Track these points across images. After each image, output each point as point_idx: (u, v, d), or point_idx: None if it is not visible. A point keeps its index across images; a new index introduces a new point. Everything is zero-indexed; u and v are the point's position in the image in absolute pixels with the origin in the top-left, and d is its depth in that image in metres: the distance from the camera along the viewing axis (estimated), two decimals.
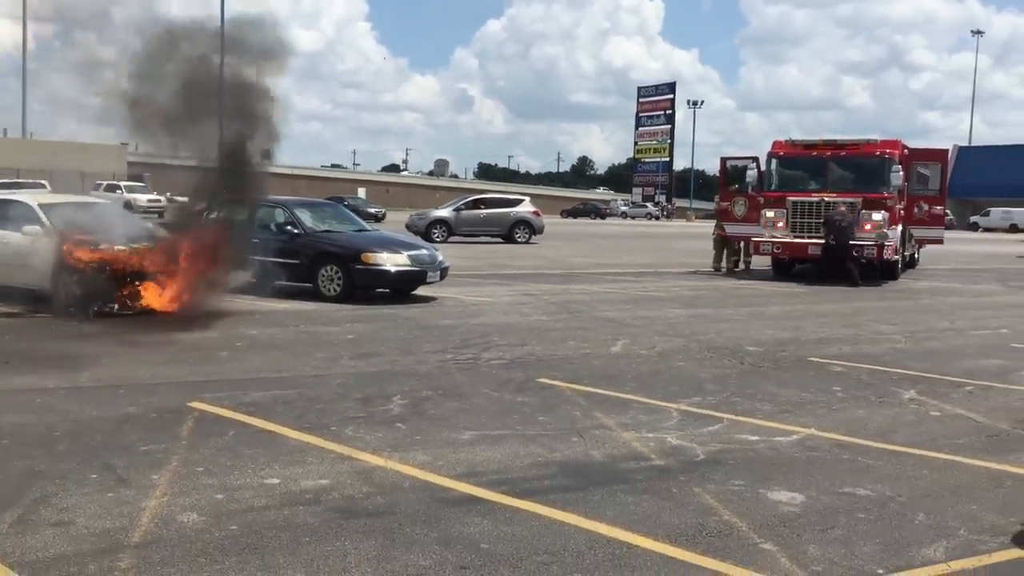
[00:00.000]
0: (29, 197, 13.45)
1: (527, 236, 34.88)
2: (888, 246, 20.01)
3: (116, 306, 11.87)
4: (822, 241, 20.04)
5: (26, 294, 12.33)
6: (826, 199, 20.60)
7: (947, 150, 28.64)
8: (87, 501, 5.02)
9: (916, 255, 25.28)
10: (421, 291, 15.03)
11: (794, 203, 21.06)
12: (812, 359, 10.28)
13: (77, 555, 4.31)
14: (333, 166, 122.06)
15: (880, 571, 4.41)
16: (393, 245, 15.02)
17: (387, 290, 14.62)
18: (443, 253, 16.04)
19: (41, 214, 12.55)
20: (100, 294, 11.79)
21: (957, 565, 4.51)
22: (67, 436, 6.27)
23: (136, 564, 4.23)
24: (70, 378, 8.15)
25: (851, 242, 19.74)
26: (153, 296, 12.16)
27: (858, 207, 20.37)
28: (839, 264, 19.72)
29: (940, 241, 24.40)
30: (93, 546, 4.42)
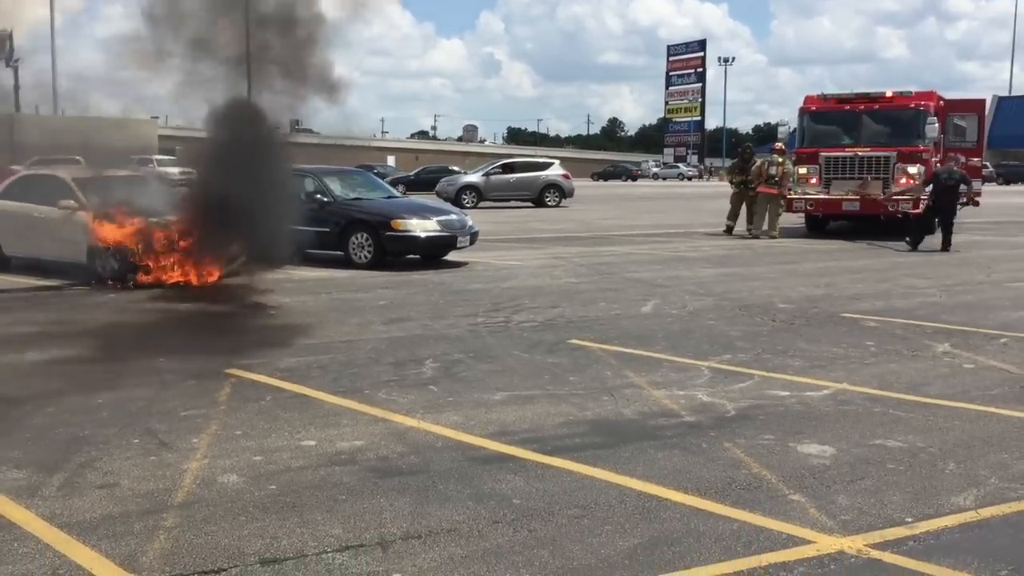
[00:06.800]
0: (63, 172, 13.63)
1: (557, 200, 34.78)
2: (924, 200, 19.73)
3: (150, 278, 12.05)
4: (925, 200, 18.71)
5: (63, 267, 12.58)
6: (860, 153, 20.37)
7: (984, 100, 28.05)
8: (131, 465, 5.17)
9: None
10: (451, 256, 15.11)
11: (827, 159, 20.83)
12: (845, 315, 10.23)
13: (123, 515, 4.46)
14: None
15: (908, 519, 4.44)
16: (423, 211, 15.09)
17: (417, 256, 14.71)
18: (473, 218, 16.07)
19: (76, 189, 12.74)
20: (134, 267, 12.00)
21: (986, 512, 4.53)
22: (109, 403, 6.43)
23: (180, 523, 4.37)
24: (108, 349, 8.33)
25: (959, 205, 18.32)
26: (187, 267, 12.32)
27: (893, 161, 20.13)
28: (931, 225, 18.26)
29: (977, 194, 24.01)
30: (138, 507, 4.57)
